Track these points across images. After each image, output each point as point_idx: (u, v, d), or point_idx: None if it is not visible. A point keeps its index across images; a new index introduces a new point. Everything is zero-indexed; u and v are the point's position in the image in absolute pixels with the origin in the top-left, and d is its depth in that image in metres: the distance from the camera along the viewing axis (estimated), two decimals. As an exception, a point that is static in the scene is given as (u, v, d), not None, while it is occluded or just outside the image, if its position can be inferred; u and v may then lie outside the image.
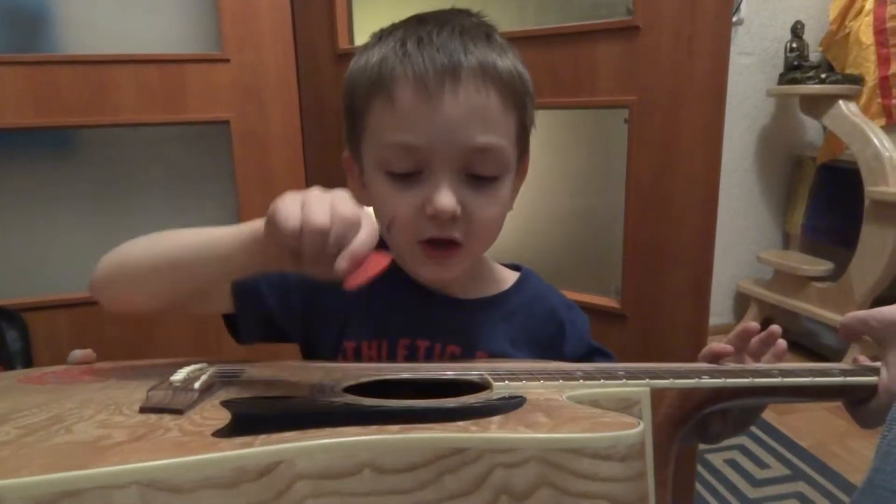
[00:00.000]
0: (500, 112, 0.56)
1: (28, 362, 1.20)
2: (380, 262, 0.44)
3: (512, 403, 0.41)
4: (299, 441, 0.33)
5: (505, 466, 0.33)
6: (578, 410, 0.40)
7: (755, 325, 0.58)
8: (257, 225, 0.47)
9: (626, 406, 0.44)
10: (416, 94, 0.53)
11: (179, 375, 0.44)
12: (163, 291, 0.55)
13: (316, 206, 0.42)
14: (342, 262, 0.42)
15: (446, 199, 0.53)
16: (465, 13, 0.60)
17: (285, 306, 0.63)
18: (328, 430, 0.34)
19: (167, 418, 0.38)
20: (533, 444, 0.34)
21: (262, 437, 0.33)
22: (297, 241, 0.42)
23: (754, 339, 0.59)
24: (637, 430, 0.35)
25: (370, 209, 0.45)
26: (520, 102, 0.58)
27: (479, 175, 0.56)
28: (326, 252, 0.42)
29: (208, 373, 0.46)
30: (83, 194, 1.35)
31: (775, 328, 0.58)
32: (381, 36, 0.59)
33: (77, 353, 0.60)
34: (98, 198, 1.36)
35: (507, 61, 0.57)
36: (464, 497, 0.33)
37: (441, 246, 0.57)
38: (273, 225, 0.43)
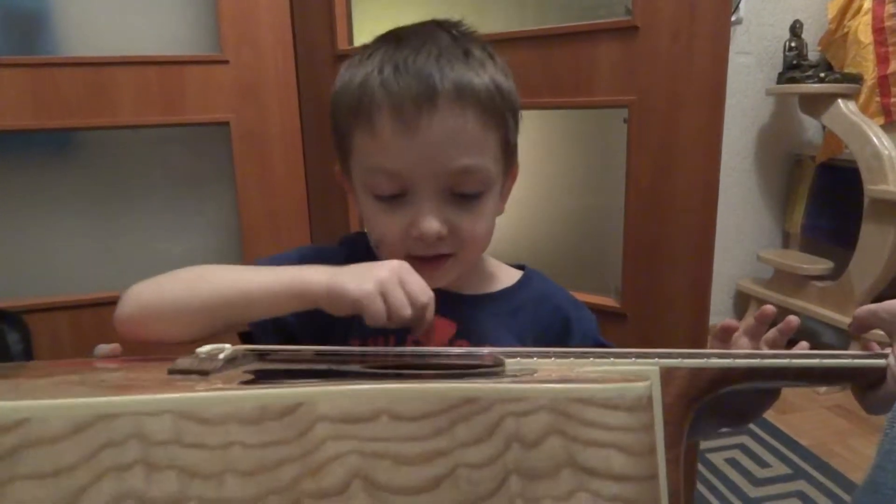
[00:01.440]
0: (479, 132, 0.57)
1: (29, 364, 1.20)
2: (447, 331, 0.55)
3: (523, 372, 0.42)
4: (320, 386, 0.35)
5: (516, 415, 0.35)
6: (588, 371, 0.42)
7: (772, 308, 0.58)
8: (311, 283, 0.51)
9: None
10: (394, 123, 0.55)
11: (205, 349, 0.46)
12: (203, 329, 0.55)
13: (397, 299, 0.50)
14: (419, 334, 0.52)
15: (430, 223, 0.56)
16: (443, 28, 0.60)
17: (300, 316, 0.62)
18: (347, 381, 0.37)
19: (195, 377, 0.41)
20: (543, 394, 0.35)
21: (286, 383, 0.36)
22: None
23: (773, 330, 0.59)
24: (645, 383, 0.36)
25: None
26: (500, 119, 0.58)
27: (462, 193, 0.57)
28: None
29: (231, 349, 0.48)
30: (83, 196, 1.35)
31: (792, 318, 0.58)
32: (362, 55, 0.60)
33: (105, 348, 0.60)
34: (98, 199, 1.36)
35: (486, 77, 0.57)
36: (476, 444, 0.34)
37: (430, 259, 0.59)
38: (351, 307, 0.50)
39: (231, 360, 0.46)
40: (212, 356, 0.45)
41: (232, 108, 1.28)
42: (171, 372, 0.42)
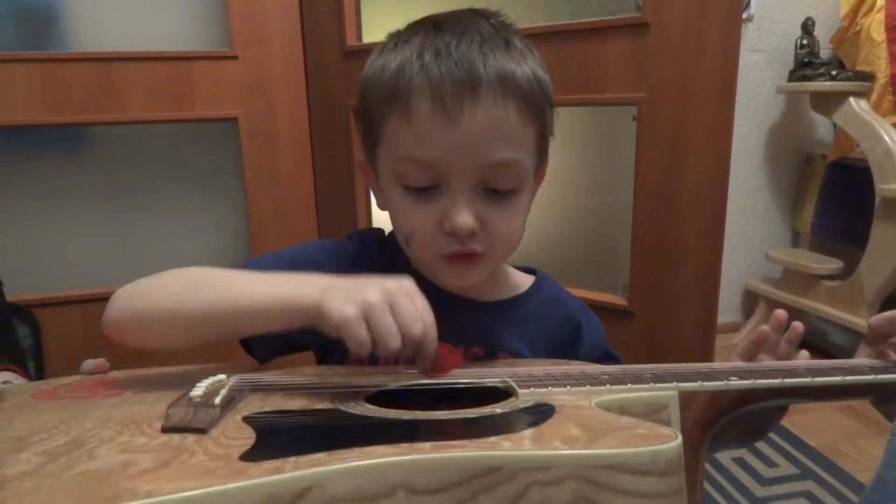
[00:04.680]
0: (519, 125, 0.54)
1: (39, 359, 1.21)
2: (457, 358, 0.51)
3: (541, 413, 0.40)
4: (330, 464, 0.32)
5: (541, 484, 0.32)
6: (612, 421, 0.39)
7: (783, 312, 0.57)
8: (300, 297, 0.48)
9: (654, 411, 0.43)
10: (434, 110, 0.52)
11: (198, 391, 0.43)
12: (193, 341, 0.53)
13: (384, 328, 0.45)
14: (426, 368, 0.49)
15: (464, 217, 0.53)
16: (484, 16, 0.58)
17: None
18: (358, 451, 0.34)
19: (191, 439, 0.38)
20: (570, 461, 0.33)
21: (292, 460, 0.33)
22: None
23: (782, 344, 0.58)
24: (675, 442, 0.34)
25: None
26: (539, 113, 0.57)
27: (497, 189, 0.55)
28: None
29: (227, 386, 0.45)
30: (93, 191, 1.36)
31: (797, 325, 0.57)
32: (397, 40, 0.57)
33: (90, 363, 0.59)
34: (108, 195, 1.37)
35: (527, 68, 0.55)
36: None
37: (463, 256, 0.57)
38: (336, 332, 0.45)
39: (228, 402, 0.43)
40: (207, 401, 0.42)
41: (241, 103, 1.29)
42: (164, 430, 0.39)
